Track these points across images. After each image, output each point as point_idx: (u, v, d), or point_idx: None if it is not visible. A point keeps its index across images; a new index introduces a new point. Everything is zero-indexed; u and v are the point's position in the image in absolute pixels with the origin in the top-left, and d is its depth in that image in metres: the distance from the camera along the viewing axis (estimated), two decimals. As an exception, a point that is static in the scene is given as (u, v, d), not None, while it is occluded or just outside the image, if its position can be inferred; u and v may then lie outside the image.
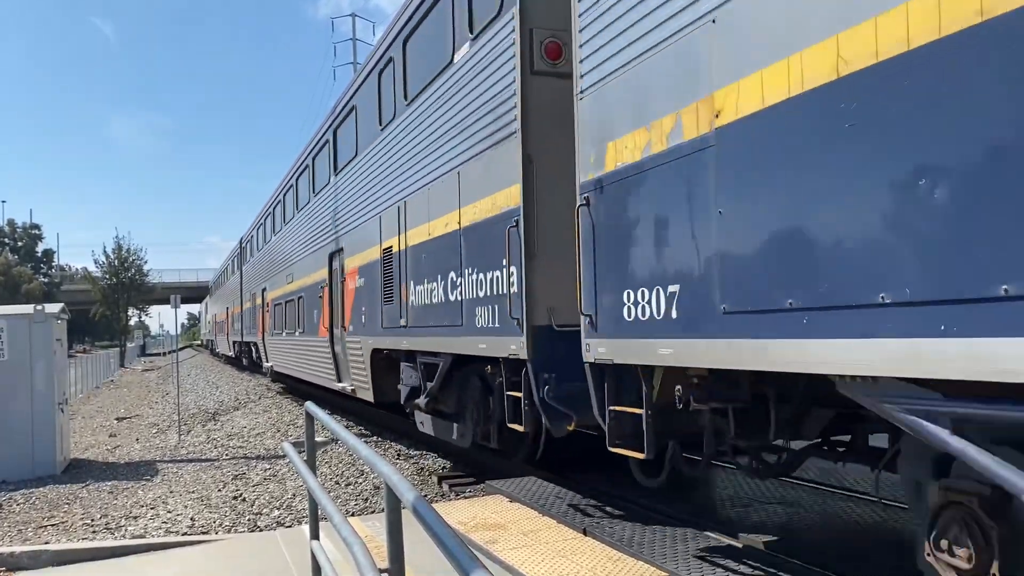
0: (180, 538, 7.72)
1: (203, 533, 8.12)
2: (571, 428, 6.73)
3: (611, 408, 5.68)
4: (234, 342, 34.88)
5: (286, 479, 10.56)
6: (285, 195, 20.79)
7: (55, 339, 12.53)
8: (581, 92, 5.86)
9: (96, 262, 60.22)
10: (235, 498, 9.72)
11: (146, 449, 14.80)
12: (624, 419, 5.57)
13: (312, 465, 4.93)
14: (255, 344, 26.30)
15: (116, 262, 58.67)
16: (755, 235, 4.11)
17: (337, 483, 10.27)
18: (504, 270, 7.09)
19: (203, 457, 13.21)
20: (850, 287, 3.50)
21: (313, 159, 16.63)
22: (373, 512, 8.58)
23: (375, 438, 13.94)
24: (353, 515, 8.48)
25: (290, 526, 8.22)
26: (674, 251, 4.80)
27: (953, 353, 3.05)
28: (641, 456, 5.40)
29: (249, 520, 8.64)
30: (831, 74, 3.61)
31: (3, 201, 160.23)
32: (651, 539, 6.27)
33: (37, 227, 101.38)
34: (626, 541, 6.24)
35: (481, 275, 7.71)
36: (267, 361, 24.16)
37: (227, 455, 13.18)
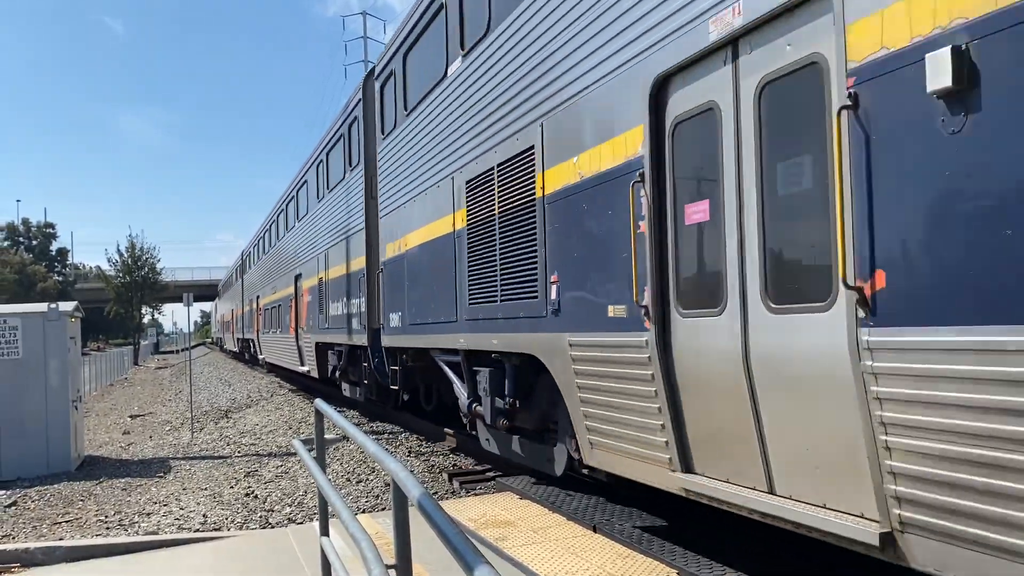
0: (192, 535, 7.77)
1: (215, 530, 8.17)
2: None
3: (390, 368, 12.18)
4: (237, 339, 40.99)
5: (298, 476, 10.61)
6: (272, 224, 27.00)
7: (69, 337, 12.64)
8: (380, 215, 12.28)
9: (110, 260, 60.63)
10: (247, 495, 9.78)
11: (159, 446, 14.91)
12: (394, 373, 12.06)
13: (322, 462, 4.95)
14: (252, 340, 32.37)
15: (129, 260, 59.03)
16: (415, 298, 10.39)
17: (348, 480, 10.31)
18: (361, 299, 13.67)
19: (216, 454, 13.29)
20: (437, 315, 9.41)
21: (286, 205, 23.66)
22: (384, 509, 8.61)
23: (386, 435, 13.98)
24: (364, 512, 8.52)
25: (301, 523, 8.26)
26: (401, 297, 11.04)
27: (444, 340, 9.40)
28: (395, 388, 12.22)
29: (261, 517, 8.69)
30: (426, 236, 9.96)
31: (18, 200, 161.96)
32: (661, 536, 6.27)
33: (51, 226, 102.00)
34: (635, 538, 6.24)
35: (354, 300, 14.26)
36: (261, 354, 30.28)
37: (239, 452, 13.25)
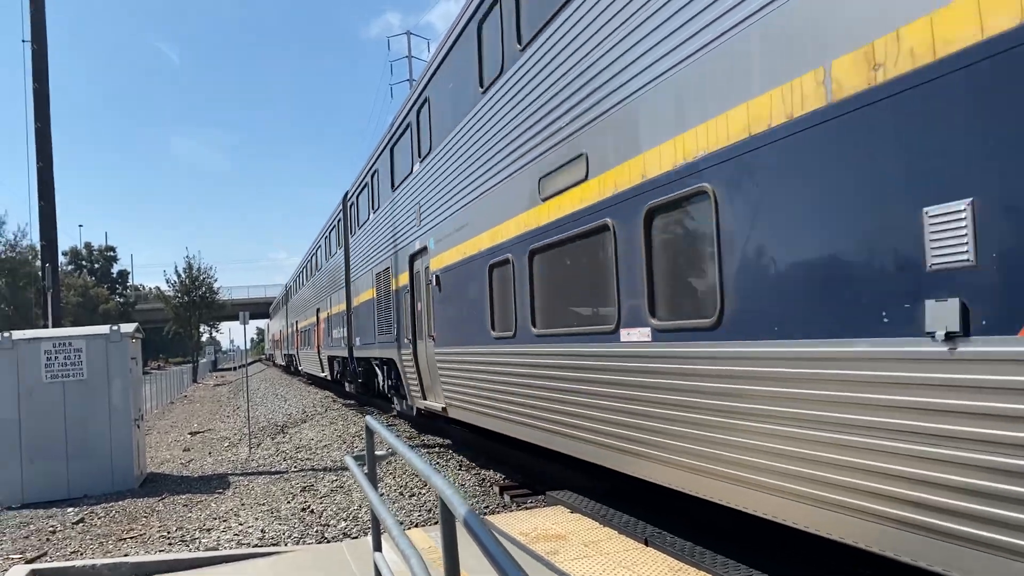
0: (251, 550, 7.94)
1: (273, 545, 8.33)
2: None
3: (358, 369, 21.49)
4: (285, 355, 51.21)
5: (352, 490, 10.76)
6: (303, 269, 37.49)
7: (130, 357, 13.02)
8: (352, 280, 21.39)
9: (168, 281, 62.21)
10: (303, 510, 9.95)
11: (218, 462, 15.24)
12: (359, 372, 21.64)
13: (373, 478, 5.04)
14: (294, 355, 41.57)
15: (187, 281, 60.47)
16: (364, 330, 19.34)
17: (401, 494, 10.43)
18: (344, 328, 22.60)
19: (272, 470, 13.54)
20: (371, 339, 18.26)
21: (310, 257, 33.79)
22: (437, 523, 8.69)
23: (438, 448, 14.09)
24: (416, 526, 8.61)
25: (356, 537, 8.38)
26: (358, 329, 20.26)
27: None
28: (361, 381, 21.88)
29: (317, 531, 8.84)
30: (366, 297, 19.15)
31: (80, 225, 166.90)
32: (714, 549, 6.22)
33: (112, 249, 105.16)
34: (688, 551, 6.21)
35: (343, 328, 22.71)
36: (300, 365, 40.21)
37: (295, 467, 13.48)
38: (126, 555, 8.34)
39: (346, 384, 24.60)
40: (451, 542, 2.79)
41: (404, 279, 14.17)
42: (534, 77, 8.08)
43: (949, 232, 3.59)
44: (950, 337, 3.57)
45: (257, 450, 16.44)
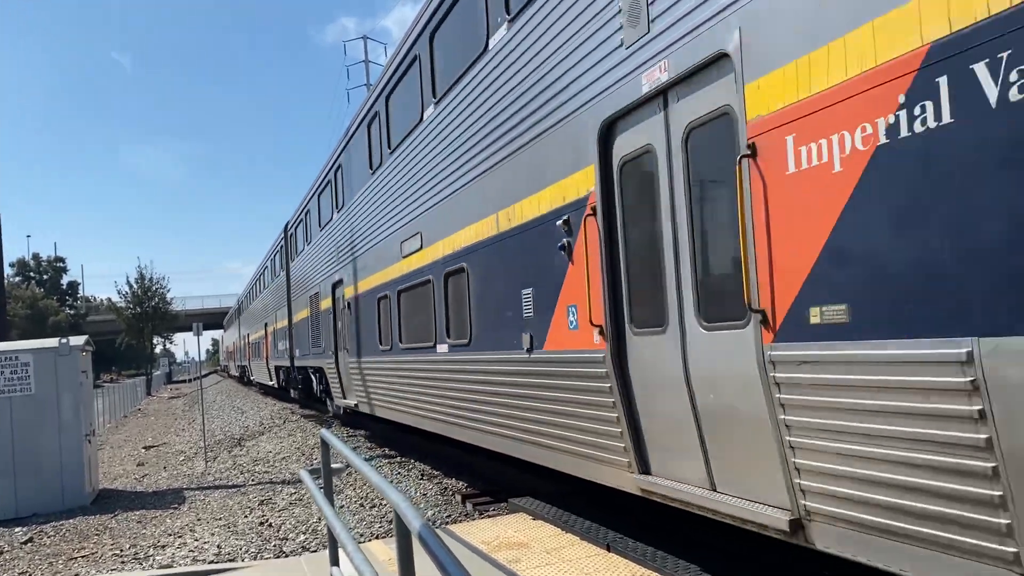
0: (207, 567, 7.77)
1: (229, 560, 8.16)
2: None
3: (300, 376, 23.97)
4: (238, 366, 52.77)
5: (312, 503, 10.60)
6: (253, 285, 39.22)
7: (81, 371, 12.70)
8: (292, 300, 24.44)
9: (120, 292, 61.00)
10: (261, 524, 9.78)
11: (173, 477, 14.93)
12: (299, 379, 24.16)
13: (329, 492, 4.95)
14: (246, 366, 42.66)
15: (139, 291, 59.35)
16: (302, 343, 22.30)
17: (362, 505, 10.30)
18: (289, 341, 24.71)
19: (229, 483, 13.30)
20: (307, 351, 21.10)
21: (259, 276, 36.95)
22: (397, 534, 8.58)
23: (399, 459, 13.97)
24: (377, 538, 8.50)
25: (315, 551, 8.24)
26: (299, 342, 23.22)
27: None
28: (300, 387, 24.44)
29: (275, 546, 8.68)
30: (303, 316, 22.28)
31: (28, 236, 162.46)
32: (675, 554, 6.23)
33: (61, 260, 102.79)
34: (650, 556, 6.21)
35: (287, 341, 25.35)
36: (252, 375, 41.77)
37: (253, 480, 13.26)
38: (77, 575, 8.11)
39: (291, 391, 27.54)
40: (407, 556, 2.73)
41: (328, 303, 17.55)
42: (395, 174, 11.96)
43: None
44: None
45: (213, 464, 16.13)
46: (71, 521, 11.12)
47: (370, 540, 8.38)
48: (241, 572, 7.37)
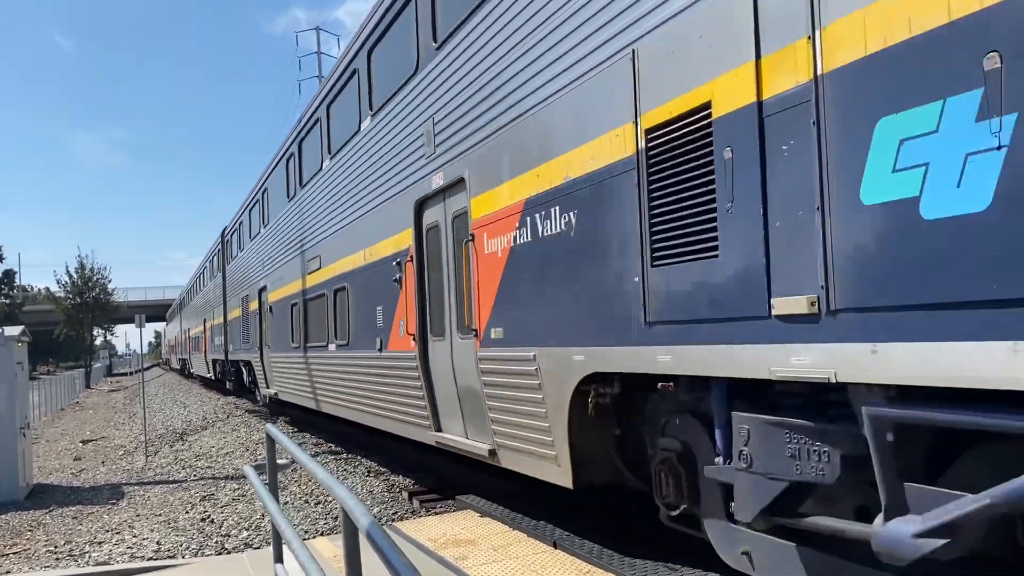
0: (145, 563, 7.59)
1: (169, 557, 7.99)
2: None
3: (232, 368, 26.20)
4: (180, 359, 53.64)
5: (255, 499, 10.43)
6: (194, 283, 40.21)
7: (15, 362, 12.30)
8: (227, 300, 26.58)
9: (59, 282, 59.26)
10: (203, 520, 9.59)
11: (112, 472, 14.55)
12: (232, 371, 26.54)
13: (274, 488, 4.87)
14: (186, 359, 44.09)
15: (79, 281, 57.74)
16: (232, 338, 25.79)
17: (307, 502, 10.17)
18: (224, 336, 26.87)
19: (171, 479, 13.01)
20: (237, 346, 24.52)
21: (198, 276, 38.12)
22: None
23: (346, 455, 13.83)
24: (323, 534, 8.41)
25: (258, 547, 8.11)
26: (232, 337, 25.49)
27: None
28: (232, 380, 27.06)
29: (217, 543, 8.52)
30: (235, 315, 24.36)
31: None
32: (620, 551, 6.28)
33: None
34: (596, 553, 6.24)
35: (222, 336, 27.57)
36: (192, 368, 42.85)
37: (195, 476, 13.00)
38: (8, 572, 7.85)
39: (226, 382, 29.26)
40: (354, 553, 2.70)
41: (255, 305, 20.33)
42: (304, 206, 14.74)
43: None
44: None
45: (154, 458, 15.77)
46: (3, 517, 10.77)
47: (315, 537, 8.27)
48: (181, 569, 7.21)
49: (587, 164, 5.51)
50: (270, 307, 17.91)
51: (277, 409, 21.12)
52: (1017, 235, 2.82)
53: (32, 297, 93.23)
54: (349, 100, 11.73)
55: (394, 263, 9.53)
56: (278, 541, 5.24)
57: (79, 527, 9.95)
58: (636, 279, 4.94)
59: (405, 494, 10.06)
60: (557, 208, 5.95)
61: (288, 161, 16.39)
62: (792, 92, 3.74)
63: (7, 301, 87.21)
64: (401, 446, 12.41)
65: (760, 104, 3.90)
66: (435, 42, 8.25)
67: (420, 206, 8.76)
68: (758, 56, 3.93)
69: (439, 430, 8.67)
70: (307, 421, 18.71)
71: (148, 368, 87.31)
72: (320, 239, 13.52)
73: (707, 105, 4.25)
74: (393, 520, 8.78)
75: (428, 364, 8.74)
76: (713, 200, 4.22)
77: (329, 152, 12.79)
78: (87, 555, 8.38)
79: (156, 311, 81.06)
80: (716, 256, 4.21)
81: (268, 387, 18.99)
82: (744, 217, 4.01)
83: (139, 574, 7.20)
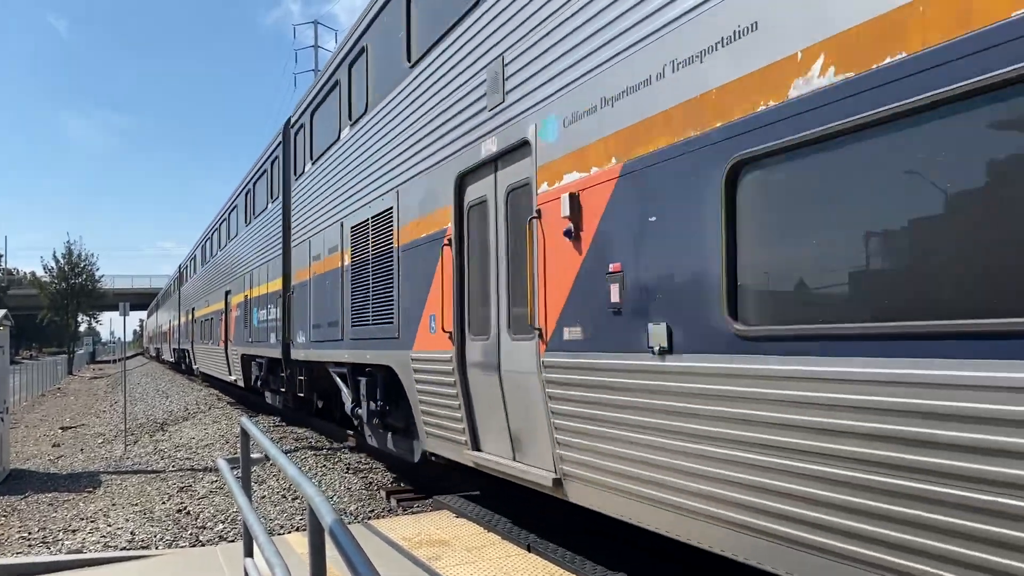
0: (118, 553, 7.55)
1: (143, 548, 7.96)
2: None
3: (299, 378, 14.68)
4: (174, 349, 49.92)
5: (233, 492, 10.39)
6: (207, 240, 29.66)
7: (-4, 346, 12.22)
8: (293, 245, 14.22)
9: (45, 267, 58.88)
10: (179, 511, 9.56)
11: (90, 460, 14.49)
12: (301, 383, 14.68)
13: (246, 482, 4.87)
14: (188, 351, 38.14)
15: (66, 267, 57.39)
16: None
17: (284, 496, 10.15)
18: (277, 317, 15.26)
19: (149, 468, 12.96)
20: (329, 335, 11.70)
21: (220, 224, 25.19)
22: (318, 527, 8.48)
23: (326, 451, 13.81)
24: (298, 530, 8.39)
25: (233, 541, 8.08)
26: (305, 318, 13.16)
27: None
28: (302, 395, 15.02)
29: (192, 534, 8.49)
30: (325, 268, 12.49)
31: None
32: (594, 555, 6.30)
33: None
34: (568, 558, 6.26)
35: (272, 317, 16.01)
36: (196, 364, 37.23)
37: (173, 467, 12.95)
38: (-21, 558, 7.80)
39: (268, 395, 31.84)
40: (319, 551, 2.71)
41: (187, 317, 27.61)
42: (259, 228, 17.45)
43: None
44: None
45: (133, 448, 15.71)
46: (-23, 501, 10.71)
47: (290, 532, 8.26)
48: (154, 560, 7.19)
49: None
50: (234, 307, 19.91)
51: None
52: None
53: (17, 281, 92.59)
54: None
55: (431, 245, 7.93)
56: (248, 535, 5.24)
57: (54, 514, 9.90)
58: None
59: (382, 492, 10.06)
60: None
61: (247, 195, 19.12)
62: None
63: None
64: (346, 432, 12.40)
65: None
66: None
67: (462, 180, 7.33)
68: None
69: (477, 449, 7.26)
70: (296, 416, 18.67)
71: (131, 356, 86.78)
72: (241, 269, 18.14)
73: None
74: (369, 517, 8.78)
75: (465, 369, 7.31)
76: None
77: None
78: (60, 543, 8.34)
79: (143, 300, 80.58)
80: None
81: (198, 367, 27.08)
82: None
83: (112, 563, 7.17)
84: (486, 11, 6.78)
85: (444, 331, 7.49)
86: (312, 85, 13.13)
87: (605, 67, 5.16)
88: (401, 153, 8.74)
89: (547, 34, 5.83)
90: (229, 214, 22.80)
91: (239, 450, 5.67)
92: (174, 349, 42.38)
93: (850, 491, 3.47)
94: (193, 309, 30.33)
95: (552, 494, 5.87)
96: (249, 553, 5.11)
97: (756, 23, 4.03)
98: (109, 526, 8.94)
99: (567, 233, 5.51)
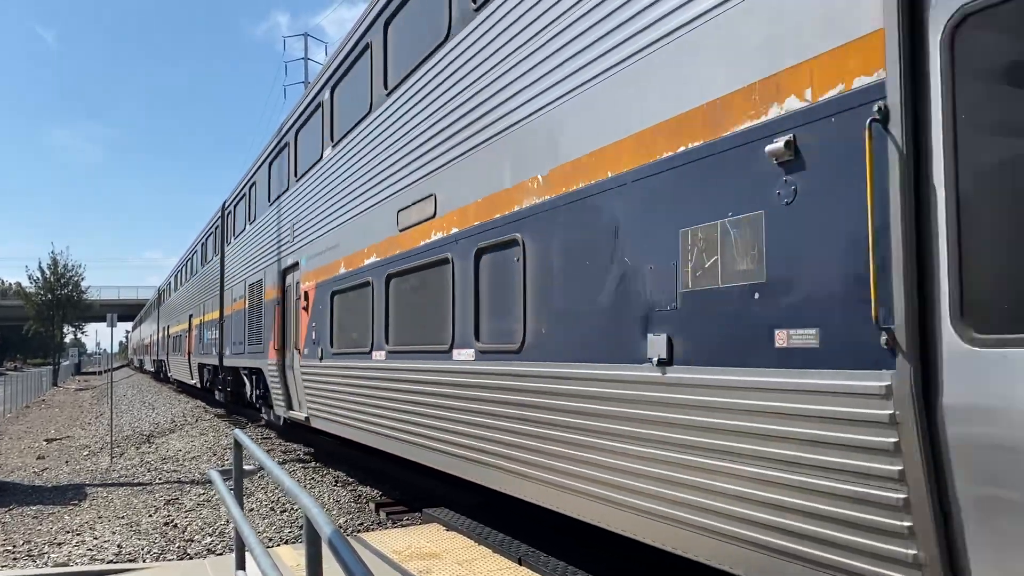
0: (105, 566, 7.49)
1: (130, 561, 7.89)
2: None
3: (226, 377, 20.82)
4: (153, 360, 52.71)
5: (220, 505, 10.32)
6: (177, 273, 35.75)
7: (-18, 357, 12.12)
8: (225, 288, 20.72)
9: (30, 278, 58.46)
10: (166, 524, 9.48)
11: (76, 472, 14.35)
12: (228, 380, 20.98)
13: (239, 494, 4.84)
14: (164, 361, 42.41)
15: (52, 278, 57.01)
16: (234, 339, 19.84)
17: (272, 509, 10.09)
18: (216, 336, 21.18)
19: (135, 481, 12.85)
20: (240, 349, 18.39)
21: (185, 264, 32.06)
22: (307, 540, 8.42)
23: (314, 464, 13.74)
24: (287, 543, 8.34)
25: (221, 554, 8.03)
26: (229, 337, 19.45)
27: None
28: (229, 390, 20.98)
29: (179, 547, 8.42)
30: (238, 308, 19.12)
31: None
32: (586, 568, 6.29)
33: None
34: (560, 571, 6.25)
35: (213, 336, 21.61)
36: (170, 371, 40.94)
37: (160, 479, 12.84)
38: (-37, 571, 7.72)
39: (217, 392, 34.72)
40: (315, 562, 2.70)
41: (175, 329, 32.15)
42: (207, 272, 24.17)
43: None
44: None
45: (120, 460, 15.57)
46: (-39, 514, 10.58)
47: (279, 545, 8.21)
48: (141, 573, 7.13)
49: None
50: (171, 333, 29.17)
51: (250, 415, 21.15)
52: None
53: (2, 292, 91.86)
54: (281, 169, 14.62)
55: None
56: (241, 548, 5.20)
57: (39, 527, 9.80)
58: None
59: (372, 505, 10.01)
60: None
61: (206, 241, 24.19)
62: None
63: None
64: (367, 457, 12.36)
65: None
66: None
67: (284, 273, 13.85)
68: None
69: (290, 410, 13.59)
70: (281, 428, 18.56)
71: (117, 368, 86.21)
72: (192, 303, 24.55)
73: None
74: (359, 530, 8.73)
75: (284, 370, 13.89)
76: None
77: (248, 220, 17.51)
78: (46, 556, 8.25)
79: (130, 311, 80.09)
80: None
81: (193, 378, 28.75)
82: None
83: (98, 577, 7.10)
84: (287, 200, 13.05)
85: (275, 349, 13.53)
86: (237, 185, 19.46)
87: (317, 241, 11.38)
88: (264, 254, 15.36)
89: (306, 220, 11.71)
90: (191, 256, 29.76)
91: (229, 462, 5.64)
92: (153, 360, 49.57)
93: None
94: (168, 327, 37.28)
95: (303, 424, 12.27)
96: (241, 566, 5.07)
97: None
98: (96, 539, 8.85)
99: (304, 307, 11.66)
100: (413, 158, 7.92)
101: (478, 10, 6.68)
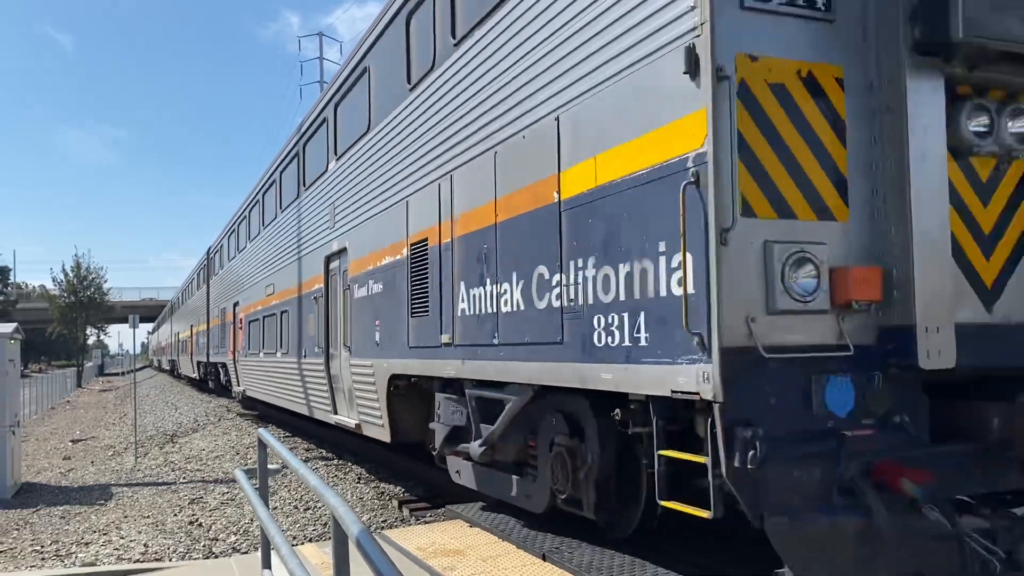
0: (132, 565, 7.55)
1: (156, 560, 7.95)
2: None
3: (212, 369, 33.22)
4: (169, 360, 57.84)
5: (244, 503, 10.39)
6: (183, 292, 45.09)
7: (7, 360, 12.25)
8: (211, 314, 28.83)
9: (54, 280, 59.13)
10: (191, 523, 9.55)
11: (101, 472, 14.49)
12: (216, 371, 31.21)
13: (264, 493, 4.86)
14: (175, 360, 50.34)
15: (75, 280, 57.62)
16: (212, 343, 29.49)
17: (296, 508, 10.14)
18: (206, 340, 30.65)
19: (160, 480, 12.96)
20: (216, 351, 28.13)
21: (187, 286, 41.63)
22: (331, 539, 8.45)
23: (337, 461, 13.80)
24: (311, 541, 8.38)
25: (246, 552, 8.08)
26: (213, 342, 28.56)
27: None
28: (213, 378, 32.17)
29: (204, 546, 8.48)
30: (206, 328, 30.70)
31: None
32: (610, 564, 6.26)
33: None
34: (585, 566, 6.22)
35: (203, 341, 32.32)
36: (180, 369, 49.14)
37: (184, 478, 12.95)
38: (-7, 571, 7.81)
39: (211, 383, 35.82)
40: (343, 561, 2.69)
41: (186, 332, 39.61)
42: (200, 296, 32.65)
43: None
44: None
45: (144, 460, 15.72)
46: (-10, 515, 10.71)
47: (303, 543, 8.24)
48: (168, 572, 7.18)
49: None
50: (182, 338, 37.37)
51: (265, 413, 22.61)
52: None
53: (26, 295, 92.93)
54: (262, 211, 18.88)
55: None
56: (267, 547, 5.22)
57: (66, 527, 9.90)
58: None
59: (395, 502, 10.03)
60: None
61: (208, 265, 30.30)
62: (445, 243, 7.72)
63: (1, 298, 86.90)
64: (388, 454, 12.39)
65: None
66: None
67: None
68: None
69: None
70: (297, 427, 18.68)
71: (140, 369, 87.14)
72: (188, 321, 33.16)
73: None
74: (382, 527, 8.76)
75: (236, 363, 19.40)
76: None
77: (230, 258, 24.76)
78: (74, 555, 8.35)
79: (150, 312, 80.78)
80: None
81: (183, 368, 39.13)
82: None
83: (125, 576, 7.16)
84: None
85: (231, 351, 20.31)
86: (221, 234, 26.02)
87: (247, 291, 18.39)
88: (227, 292, 23.39)
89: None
90: (190, 283, 39.74)
91: (252, 460, 5.66)
92: (170, 360, 57.41)
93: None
94: (178, 333, 46.31)
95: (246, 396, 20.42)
96: (267, 565, 5.09)
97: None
98: (122, 538, 8.94)
99: (240, 327, 18.55)
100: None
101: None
